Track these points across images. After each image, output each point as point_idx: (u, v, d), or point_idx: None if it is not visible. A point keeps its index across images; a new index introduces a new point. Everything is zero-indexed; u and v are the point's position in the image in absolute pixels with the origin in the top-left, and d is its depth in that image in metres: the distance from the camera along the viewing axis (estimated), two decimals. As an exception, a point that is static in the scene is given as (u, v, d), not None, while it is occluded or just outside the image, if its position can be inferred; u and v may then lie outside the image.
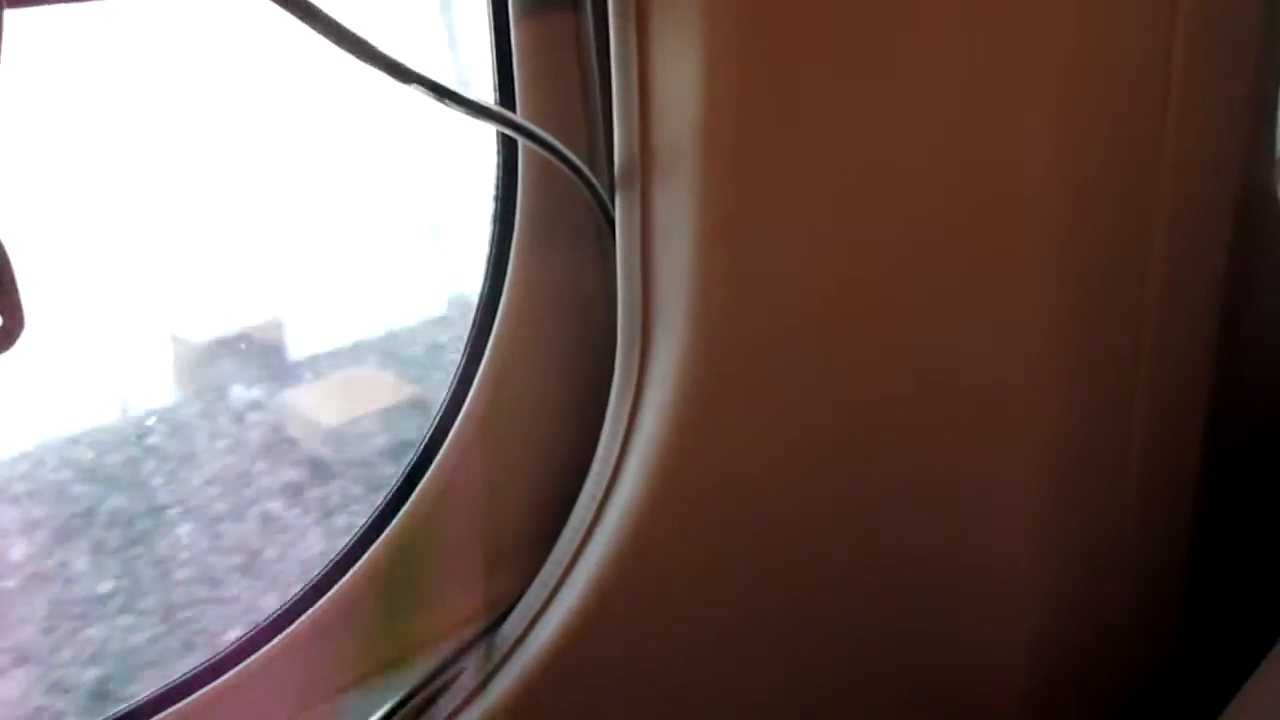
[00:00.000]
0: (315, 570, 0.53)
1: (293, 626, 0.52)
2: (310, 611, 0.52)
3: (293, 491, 0.96)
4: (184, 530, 0.91)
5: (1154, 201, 0.78)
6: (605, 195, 0.56)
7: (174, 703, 0.50)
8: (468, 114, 0.51)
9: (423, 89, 0.46)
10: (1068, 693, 0.83)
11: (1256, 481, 1.13)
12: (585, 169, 0.55)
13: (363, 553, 0.54)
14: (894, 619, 0.70)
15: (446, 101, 0.47)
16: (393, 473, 0.57)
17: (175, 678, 0.50)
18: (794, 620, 0.64)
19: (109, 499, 0.90)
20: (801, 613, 0.64)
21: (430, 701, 0.53)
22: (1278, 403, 1.12)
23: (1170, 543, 0.91)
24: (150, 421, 0.96)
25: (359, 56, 0.44)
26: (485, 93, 0.57)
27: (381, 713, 0.50)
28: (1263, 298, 1.07)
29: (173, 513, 0.92)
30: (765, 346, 0.57)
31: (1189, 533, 0.94)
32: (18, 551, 0.87)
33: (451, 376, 0.57)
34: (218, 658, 0.50)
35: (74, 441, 0.93)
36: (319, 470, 1.00)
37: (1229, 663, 0.79)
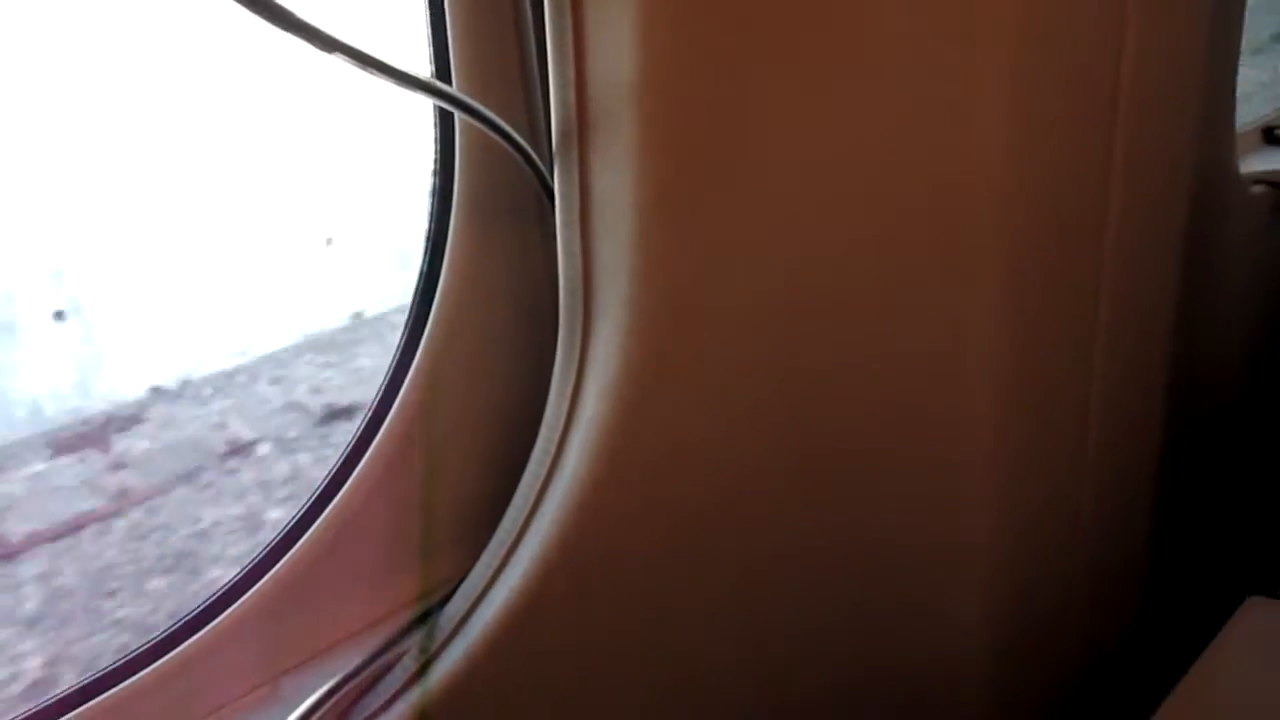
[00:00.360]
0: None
1: (228, 611, 0.51)
2: (247, 595, 0.51)
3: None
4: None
5: (1108, 176, 0.77)
6: (545, 170, 0.55)
7: (108, 689, 0.49)
8: (398, 85, 0.49)
9: (347, 58, 0.45)
10: (1028, 667, 0.83)
11: (1217, 455, 1.14)
12: (523, 142, 0.54)
13: (301, 535, 0.53)
14: (848, 596, 0.69)
15: (373, 71, 0.46)
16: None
17: (106, 664, 0.49)
18: (744, 598, 0.63)
19: None
20: (752, 591, 0.63)
21: (371, 684, 0.52)
22: (1238, 377, 1.13)
23: (1130, 517, 0.92)
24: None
25: (278, 25, 0.42)
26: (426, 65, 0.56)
27: (317, 695, 0.49)
28: (1224, 271, 1.07)
29: None
30: (710, 322, 0.57)
31: (1149, 507, 0.94)
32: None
33: (392, 354, 0.56)
34: (149, 644, 0.49)
35: None
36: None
37: (1191, 637, 0.79)
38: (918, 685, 0.75)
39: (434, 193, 0.56)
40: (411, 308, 0.57)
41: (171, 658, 0.50)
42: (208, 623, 0.51)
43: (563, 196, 0.54)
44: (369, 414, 0.56)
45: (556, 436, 0.56)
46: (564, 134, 0.53)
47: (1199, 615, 0.82)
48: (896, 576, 0.72)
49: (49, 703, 0.49)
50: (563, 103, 0.53)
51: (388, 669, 0.53)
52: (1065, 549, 0.84)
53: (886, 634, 0.73)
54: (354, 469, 0.55)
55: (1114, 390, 0.83)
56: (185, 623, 0.51)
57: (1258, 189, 1.13)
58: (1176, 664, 0.78)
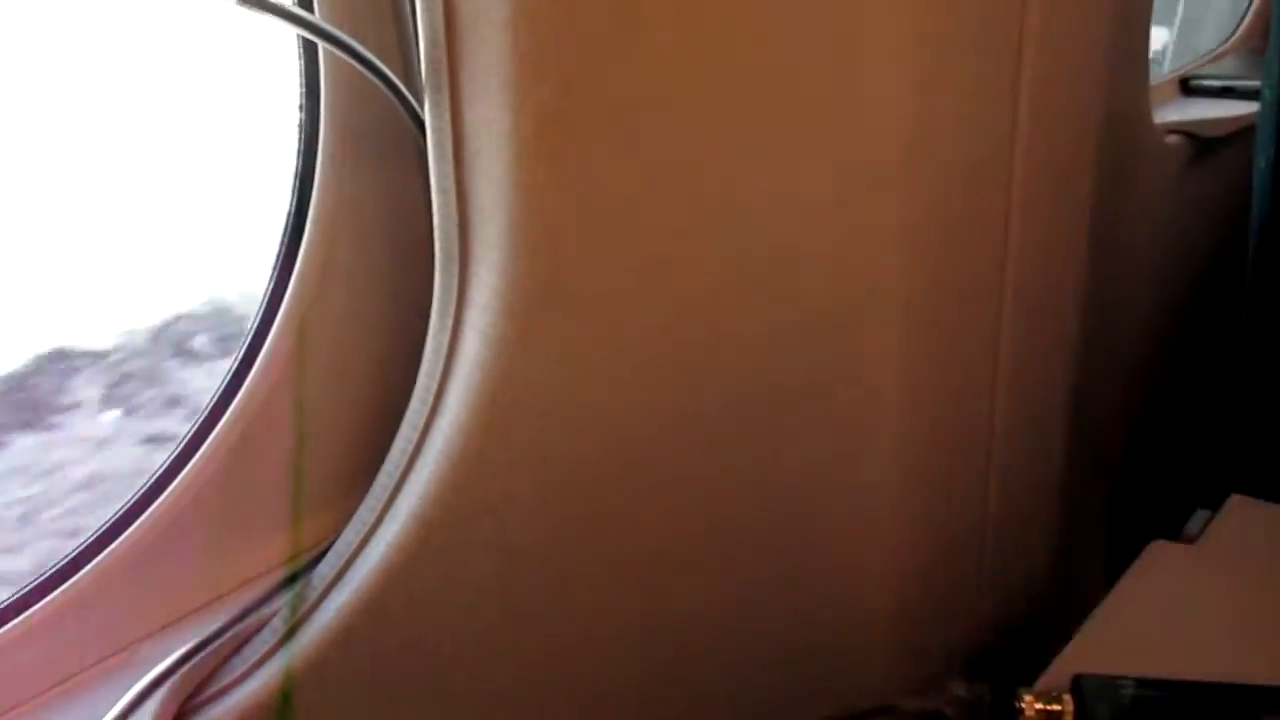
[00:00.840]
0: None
1: (77, 577, 0.48)
2: (98, 560, 0.48)
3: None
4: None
5: (1015, 123, 0.76)
6: (416, 103, 0.52)
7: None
8: (254, 10, 0.46)
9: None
10: (938, 622, 0.83)
11: (1127, 404, 1.15)
12: (391, 74, 0.51)
13: (160, 493, 0.50)
14: (751, 551, 0.68)
15: (214, -9, 0.43)
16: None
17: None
18: (640, 553, 0.61)
19: None
20: (648, 545, 0.62)
21: (237, 648, 0.50)
22: (1149, 326, 1.14)
23: (1041, 465, 0.92)
24: None
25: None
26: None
27: (170, 661, 0.46)
28: (1137, 220, 1.07)
29: None
30: (595, 261, 0.54)
31: (1062, 456, 0.94)
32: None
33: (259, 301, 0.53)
34: (-9, 609, 0.46)
35: None
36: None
37: (1105, 585, 0.79)
38: (826, 640, 0.74)
39: (301, 129, 0.53)
40: (279, 251, 0.54)
41: (14, 627, 0.46)
42: (54, 590, 0.47)
43: (434, 131, 0.51)
44: (234, 365, 0.53)
45: (434, 385, 0.53)
46: (433, 65, 0.50)
47: (1112, 563, 0.82)
48: (802, 530, 0.70)
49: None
50: (431, 30, 0.49)
51: (255, 632, 0.50)
52: (975, 500, 0.84)
53: (792, 588, 0.71)
54: (218, 423, 0.52)
55: (1022, 340, 0.82)
56: (31, 590, 0.47)
57: (1173, 139, 1.13)
58: (1088, 612, 0.78)
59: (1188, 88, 1.26)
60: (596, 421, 0.57)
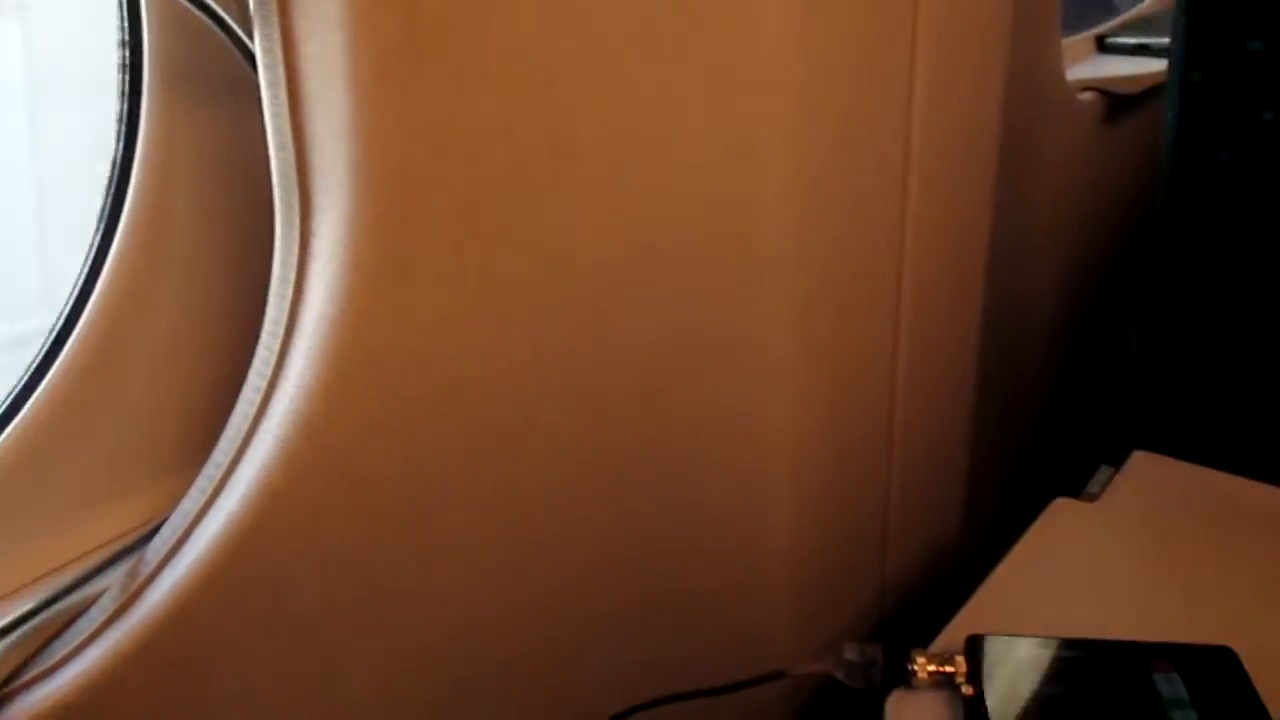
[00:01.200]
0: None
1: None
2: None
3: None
4: None
5: (911, 81, 0.74)
6: (248, 39, 0.49)
7: None
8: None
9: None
10: (838, 583, 0.82)
11: (1034, 366, 1.14)
12: (215, 5, 0.47)
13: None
14: (636, 511, 0.66)
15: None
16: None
17: None
18: (515, 518, 0.59)
19: None
20: (525, 509, 0.59)
21: (61, 629, 0.46)
22: (1057, 285, 1.13)
23: (947, 426, 0.90)
24: None
25: None
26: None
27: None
28: (1048, 178, 1.06)
29: None
30: (452, 212, 0.51)
31: (969, 416, 0.93)
32: None
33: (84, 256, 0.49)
34: None
35: None
36: None
37: (1009, 544, 0.78)
38: (717, 605, 0.72)
39: (122, 69, 0.49)
40: (105, 203, 0.49)
41: None
42: None
43: (266, 69, 0.47)
44: (57, 324, 0.49)
45: (278, 344, 0.50)
46: (262, -6, 0.46)
47: (1022, 524, 0.81)
48: (692, 491, 0.68)
49: None
50: (257, -44, 0.46)
51: (81, 612, 0.46)
52: (878, 461, 0.82)
53: (681, 551, 0.69)
54: (38, 386, 0.48)
55: (925, 297, 0.81)
56: None
57: (1086, 96, 1.12)
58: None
59: (1103, 45, 1.26)
60: (463, 382, 0.54)
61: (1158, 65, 1.16)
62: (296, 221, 0.49)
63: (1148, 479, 0.81)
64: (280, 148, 0.48)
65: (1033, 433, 1.15)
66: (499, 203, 0.52)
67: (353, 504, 0.52)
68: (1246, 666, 0.62)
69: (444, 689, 0.60)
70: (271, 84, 0.47)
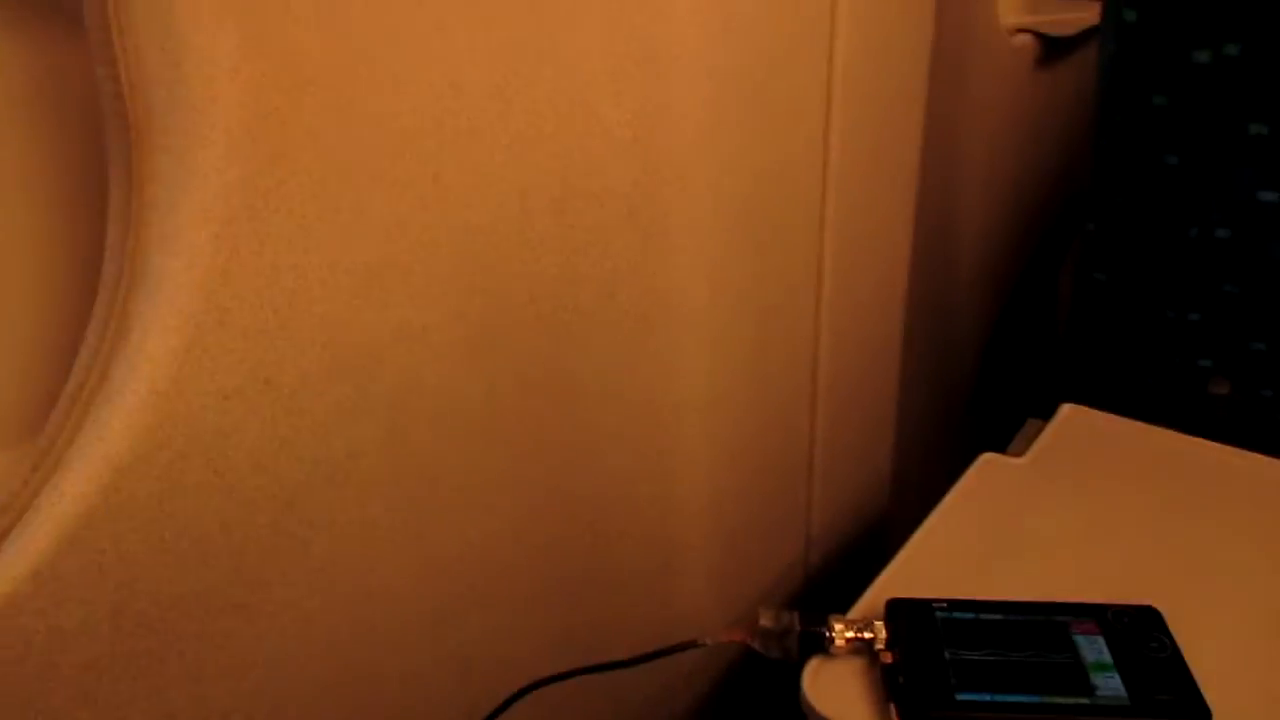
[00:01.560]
0: None
1: None
2: None
3: None
4: None
5: (833, 23, 0.70)
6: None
7: None
8: None
9: None
10: (758, 547, 0.79)
11: (961, 320, 1.12)
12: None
13: None
14: (536, 470, 0.62)
15: None
16: None
17: None
18: (404, 483, 0.54)
19: None
20: (414, 473, 0.55)
21: None
22: (990, 232, 1.10)
23: (874, 381, 0.87)
24: None
25: None
26: None
27: None
28: (981, 122, 1.02)
29: None
30: (318, 143, 0.46)
31: (898, 372, 0.90)
32: None
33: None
34: None
35: None
36: None
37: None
38: (628, 570, 0.69)
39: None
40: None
41: None
42: None
43: (86, -13, 0.41)
44: None
45: (115, 305, 0.44)
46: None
47: (948, 480, 0.79)
48: (598, 449, 0.64)
49: None
50: None
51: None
52: (800, 418, 0.79)
53: (587, 514, 0.65)
54: None
55: (849, 245, 0.77)
56: None
57: (1021, 39, 1.09)
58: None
59: (1038, -14, 1.22)
60: (338, 344, 0.49)
61: (1093, 7, 1.13)
62: (126, 162, 0.43)
63: (1076, 433, 0.79)
64: (107, 76, 0.42)
65: (965, 388, 1.13)
66: (369, 136, 0.47)
67: (210, 481, 0.47)
68: (1172, 625, 0.60)
69: (334, 671, 0.55)
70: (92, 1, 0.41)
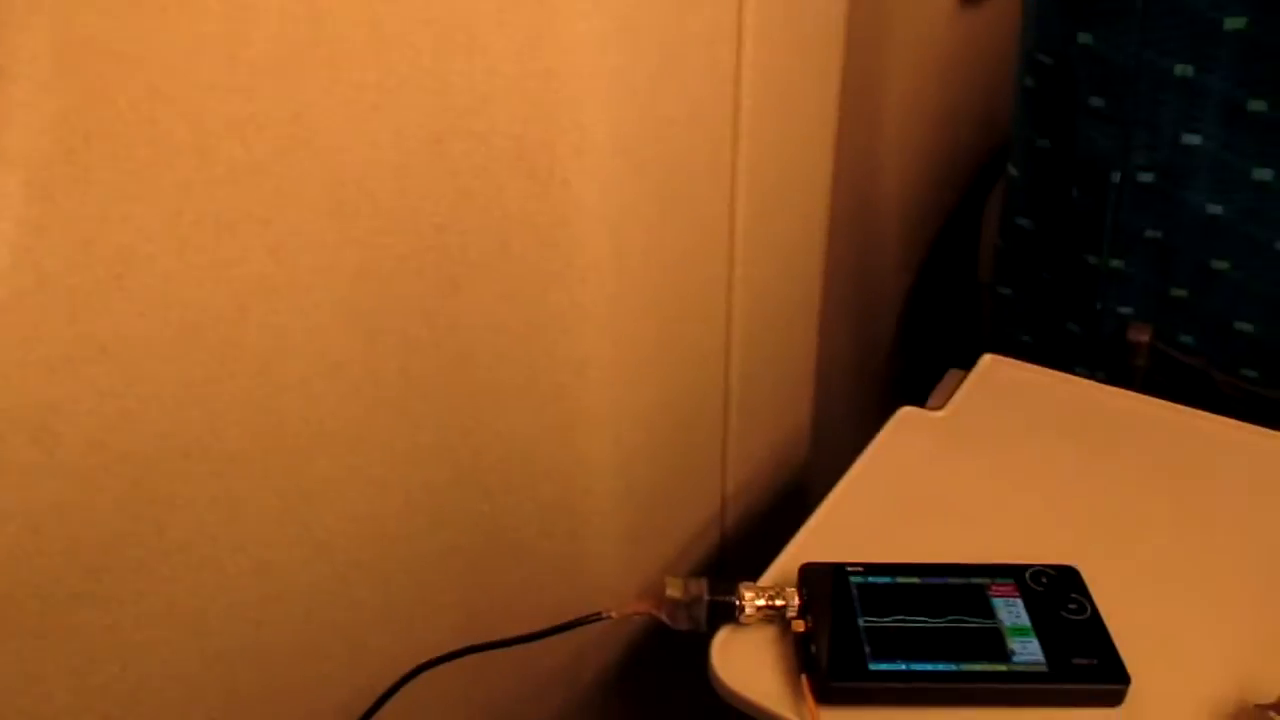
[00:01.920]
0: None
1: None
2: None
3: None
4: None
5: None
6: None
7: None
8: None
9: None
10: (670, 512, 0.75)
11: (901, 263, 1.09)
12: None
13: None
14: (435, 440, 0.57)
15: None
16: None
17: None
18: (278, 455, 0.50)
19: None
20: (289, 445, 0.50)
21: None
22: (926, 169, 1.07)
23: (792, 336, 0.84)
24: None
25: None
26: None
27: None
28: (903, 53, 0.99)
29: None
30: (146, 79, 0.40)
31: (815, 316, 0.87)
32: None
33: None
34: None
35: None
36: None
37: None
38: (532, 538, 0.65)
39: None
40: None
41: None
42: None
43: None
44: None
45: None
46: None
47: (870, 436, 0.76)
48: (499, 411, 0.60)
49: None
50: None
51: None
52: (714, 376, 0.75)
53: (489, 481, 0.61)
54: None
55: (765, 191, 0.73)
56: None
57: (945, -24, 1.05)
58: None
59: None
60: (190, 303, 0.44)
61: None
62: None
63: (995, 384, 0.77)
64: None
65: (888, 339, 1.11)
66: (215, 72, 0.41)
67: (46, 456, 0.41)
68: (1091, 582, 0.59)
69: (208, 656, 0.51)
70: None
